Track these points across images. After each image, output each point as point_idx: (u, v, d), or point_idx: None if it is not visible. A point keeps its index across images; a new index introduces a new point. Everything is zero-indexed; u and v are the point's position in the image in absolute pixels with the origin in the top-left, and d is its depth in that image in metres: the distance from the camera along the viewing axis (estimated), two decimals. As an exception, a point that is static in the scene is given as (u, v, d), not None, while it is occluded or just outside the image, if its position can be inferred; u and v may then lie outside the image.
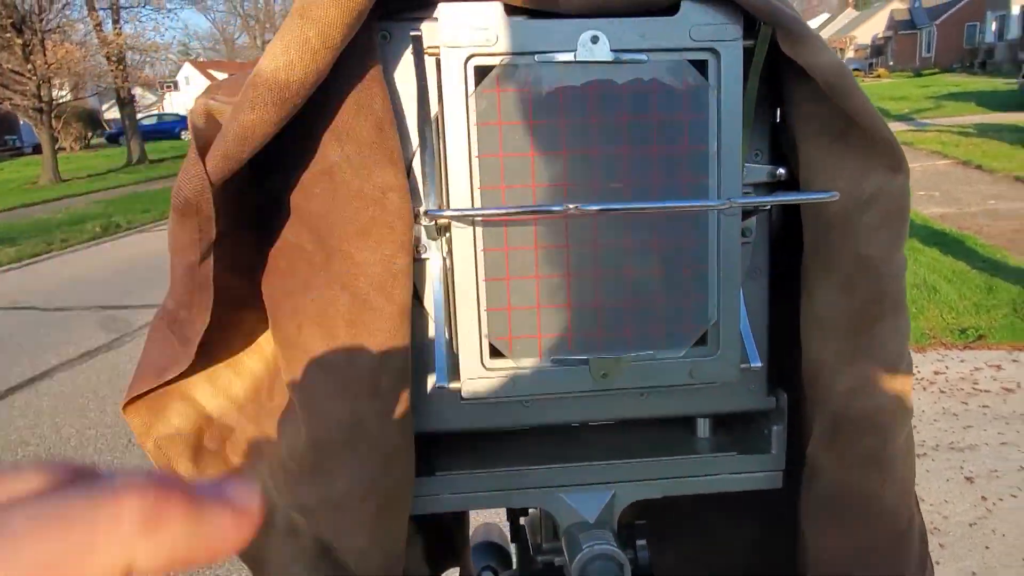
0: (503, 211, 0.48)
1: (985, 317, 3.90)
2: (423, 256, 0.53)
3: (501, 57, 0.48)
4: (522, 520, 0.73)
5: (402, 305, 0.49)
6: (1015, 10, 32.01)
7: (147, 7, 16.91)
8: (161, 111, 42.40)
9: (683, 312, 0.51)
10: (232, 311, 0.54)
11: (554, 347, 0.51)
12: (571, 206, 0.48)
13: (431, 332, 0.54)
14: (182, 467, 0.55)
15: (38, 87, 15.70)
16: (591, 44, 0.48)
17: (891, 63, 46.12)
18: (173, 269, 0.49)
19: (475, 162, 0.49)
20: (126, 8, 17.27)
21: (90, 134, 31.56)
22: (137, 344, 4.90)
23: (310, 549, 0.53)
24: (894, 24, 48.69)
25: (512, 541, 0.75)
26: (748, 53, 0.51)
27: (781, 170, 0.55)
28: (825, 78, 0.49)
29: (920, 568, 0.58)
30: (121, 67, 17.07)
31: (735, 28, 0.49)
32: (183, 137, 33.37)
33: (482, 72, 0.48)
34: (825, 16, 71.06)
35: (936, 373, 3.39)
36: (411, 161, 0.52)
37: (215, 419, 0.56)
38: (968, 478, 2.57)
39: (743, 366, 0.53)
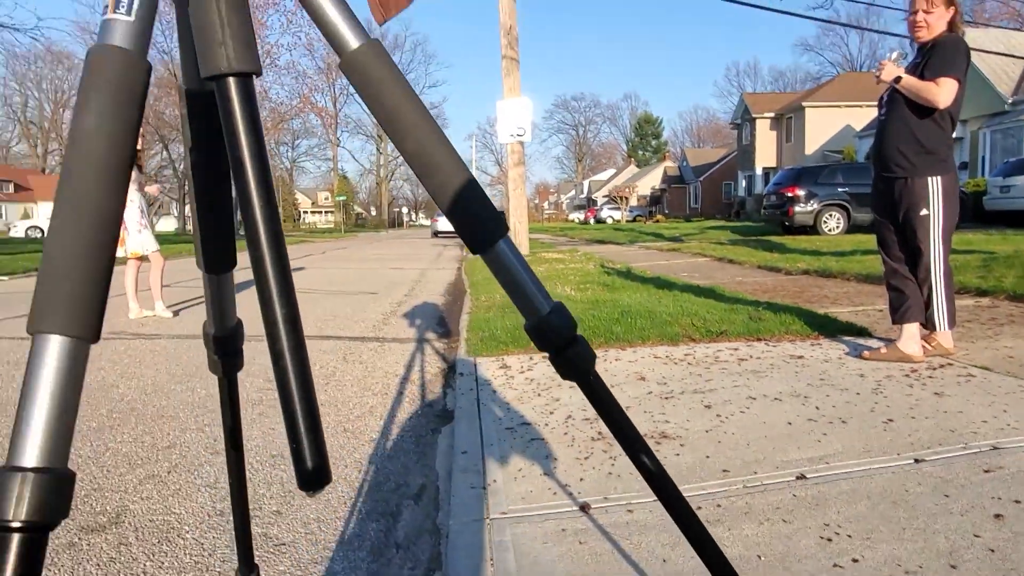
0: None
1: (728, 323, 4.37)
2: None
3: None
4: None
5: None
6: (759, 170, 38.40)
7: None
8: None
9: None
10: None
11: None
12: None
13: None
14: None
15: None
16: None
17: (667, 211, 52.63)
18: None
19: None
20: None
21: None
22: None
23: None
24: (668, 179, 56.23)
25: None
26: None
27: None
28: None
29: None
30: None
31: None
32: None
33: None
34: (612, 171, 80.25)
35: (685, 355, 3.70)
36: None
37: None
38: (707, 406, 2.78)
39: None
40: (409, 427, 2.95)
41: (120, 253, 5.84)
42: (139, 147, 5.89)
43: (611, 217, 52.87)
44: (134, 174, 5.92)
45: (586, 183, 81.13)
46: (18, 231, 32.70)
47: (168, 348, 4.59)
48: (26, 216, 48.58)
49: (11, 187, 54.29)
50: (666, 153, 73.58)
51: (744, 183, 41.19)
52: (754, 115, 38.18)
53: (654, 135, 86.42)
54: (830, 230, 15.89)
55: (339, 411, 3.15)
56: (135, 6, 0.51)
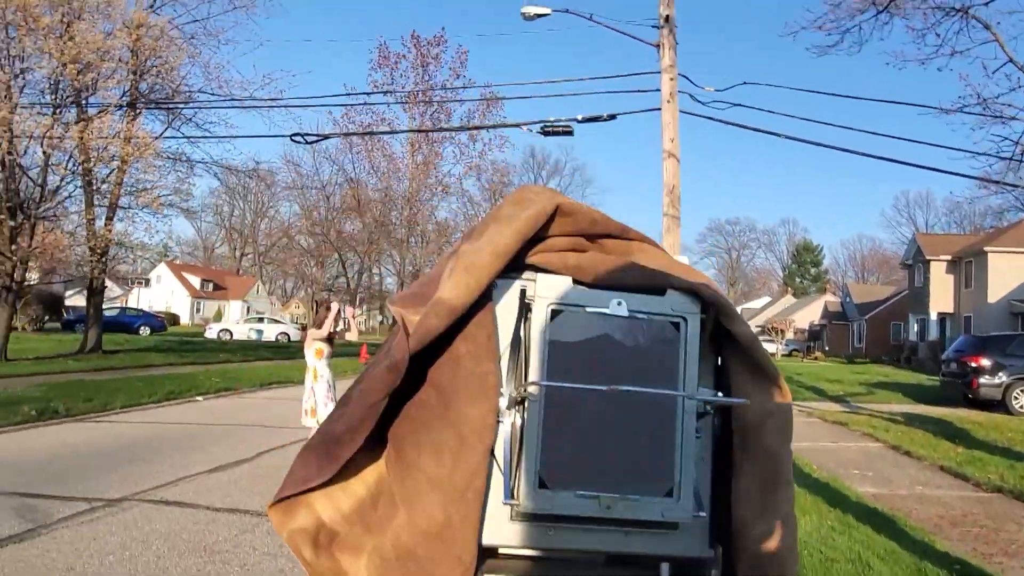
0: (566, 385, 0.80)
1: (914, 598, 3.99)
2: (500, 419, 0.82)
3: (567, 306, 0.86)
4: None
5: (488, 447, 0.79)
6: (933, 315, 35.53)
7: (144, 209, 17.94)
8: (125, 304, 42.76)
9: (660, 472, 0.82)
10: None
11: (578, 483, 0.78)
12: (609, 387, 0.81)
13: (500, 469, 0.81)
14: (306, 553, 0.76)
15: (13, 268, 15.98)
16: (616, 305, 0.88)
17: (826, 348, 49.63)
18: (354, 404, 0.76)
19: (545, 362, 0.83)
20: (124, 208, 18.30)
21: (46, 317, 31.43)
22: (51, 539, 4.63)
23: None
24: (828, 314, 53.28)
25: None
26: (703, 321, 0.93)
27: (720, 394, 0.93)
28: (744, 341, 0.90)
29: None
30: (103, 259, 17.65)
31: (696, 307, 0.92)
32: (141, 333, 33.31)
33: (556, 313, 0.84)
34: (767, 299, 77.53)
35: (869, 650, 3.40)
36: (501, 357, 0.83)
37: (326, 523, 0.77)
38: None
39: (695, 513, 0.82)
40: None
41: (311, 423, 6.40)
42: (334, 330, 6.54)
43: (764, 350, 50.58)
44: (326, 349, 6.54)
45: (738, 310, 78.64)
46: (212, 332, 36.67)
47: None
48: (218, 316, 54.53)
49: (211, 286, 61.51)
50: (827, 284, 70.20)
51: (916, 327, 38.20)
52: (928, 257, 35.82)
53: (813, 263, 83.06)
54: (1022, 407, 14.25)
55: None
56: None
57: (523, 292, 0.90)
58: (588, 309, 0.90)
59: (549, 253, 0.95)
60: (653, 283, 0.95)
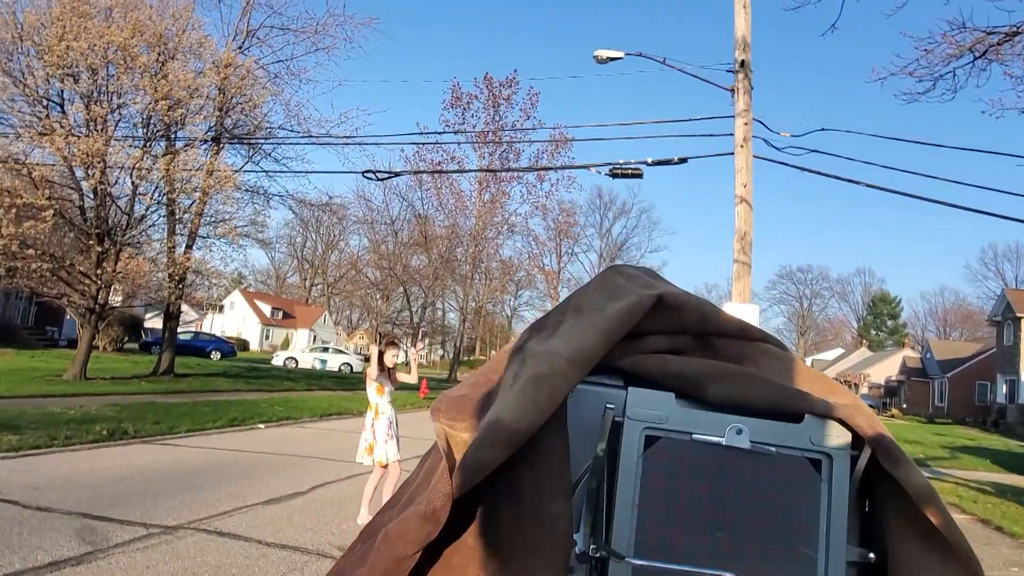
0: (664, 566, 0.58)
1: None
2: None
3: (668, 432, 0.61)
4: None
5: None
6: None
7: (222, 239, 18.68)
8: (199, 329, 44.38)
9: None
10: None
11: None
12: (726, 574, 0.58)
13: None
14: None
15: (98, 291, 16.80)
16: (735, 434, 0.62)
17: (904, 405, 47.12)
18: (379, 552, 0.57)
19: (635, 509, 0.60)
20: (203, 237, 19.10)
21: (126, 338, 32.85)
22: (107, 564, 4.64)
23: None
24: (907, 370, 50.69)
25: None
26: (855, 460, 0.65)
27: (872, 555, 0.66)
28: (918, 495, 0.62)
29: None
30: (180, 285, 18.38)
31: (845, 441, 0.64)
32: (212, 357, 34.39)
33: (652, 440, 0.61)
34: (839, 351, 74.49)
35: None
36: (573, 492, 0.62)
37: None
38: None
39: None
40: None
41: (367, 461, 6.32)
42: (392, 364, 6.49)
43: (836, 404, 48.35)
44: (387, 386, 6.49)
45: (808, 360, 75.93)
46: (278, 360, 37.61)
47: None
48: (285, 343, 56.07)
49: (280, 314, 63.46)
50: (905, 338, 67.09)
51: (1004, 388, 35.90)
52: (1019, 314, 33.81)
53: (891, 315, 79.62)
54: None
55: None
56: None
57: (609, 409, 0.66)
58: (696, 436, 0.66)
59: (645, 355, 0.71)
60: (786, 404, 0.70)
